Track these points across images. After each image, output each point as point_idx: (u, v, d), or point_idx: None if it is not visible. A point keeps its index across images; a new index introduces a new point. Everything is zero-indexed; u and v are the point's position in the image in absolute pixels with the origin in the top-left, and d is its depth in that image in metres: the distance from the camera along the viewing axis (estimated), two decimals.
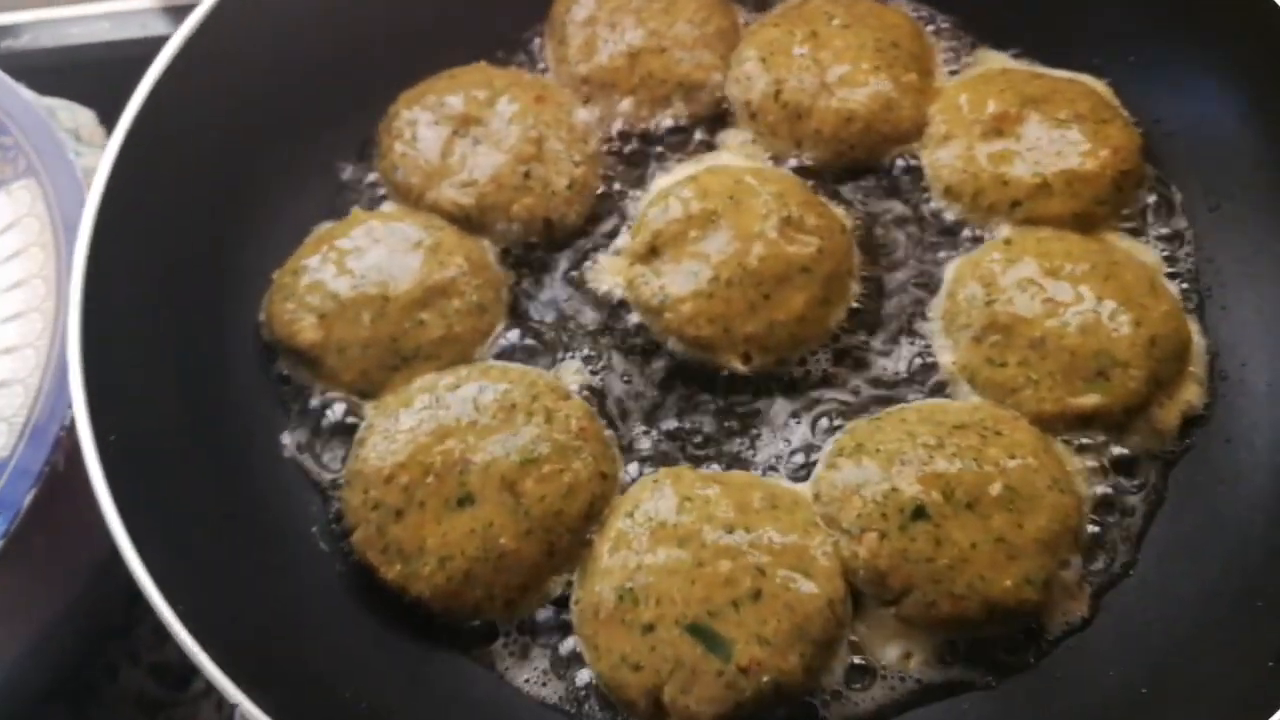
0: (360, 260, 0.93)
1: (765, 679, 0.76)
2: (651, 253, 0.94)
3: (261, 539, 0.83)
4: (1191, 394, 0.90)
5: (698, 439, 0.90)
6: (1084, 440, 0.88)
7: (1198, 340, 0.92)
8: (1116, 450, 0.88)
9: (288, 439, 0.90)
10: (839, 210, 0.98)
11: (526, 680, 0.82)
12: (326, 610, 0.82)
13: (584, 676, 0.81)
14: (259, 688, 0.66)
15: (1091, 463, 0.87)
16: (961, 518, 0.80)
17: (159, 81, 0.88)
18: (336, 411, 0.90)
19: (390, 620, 0.83)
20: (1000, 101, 0.99)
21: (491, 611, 0.82)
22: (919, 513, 0.80)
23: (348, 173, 1.04)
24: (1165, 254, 0.96)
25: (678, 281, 0.92)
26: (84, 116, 1.27)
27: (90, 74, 1.09)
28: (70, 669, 1.12)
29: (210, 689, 1.12)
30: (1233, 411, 0.90)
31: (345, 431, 0.90)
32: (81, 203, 0.98)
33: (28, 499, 0.88)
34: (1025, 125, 0.98)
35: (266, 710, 0.65)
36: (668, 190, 0.97)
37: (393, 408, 0.87)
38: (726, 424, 0.91)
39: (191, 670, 1.15)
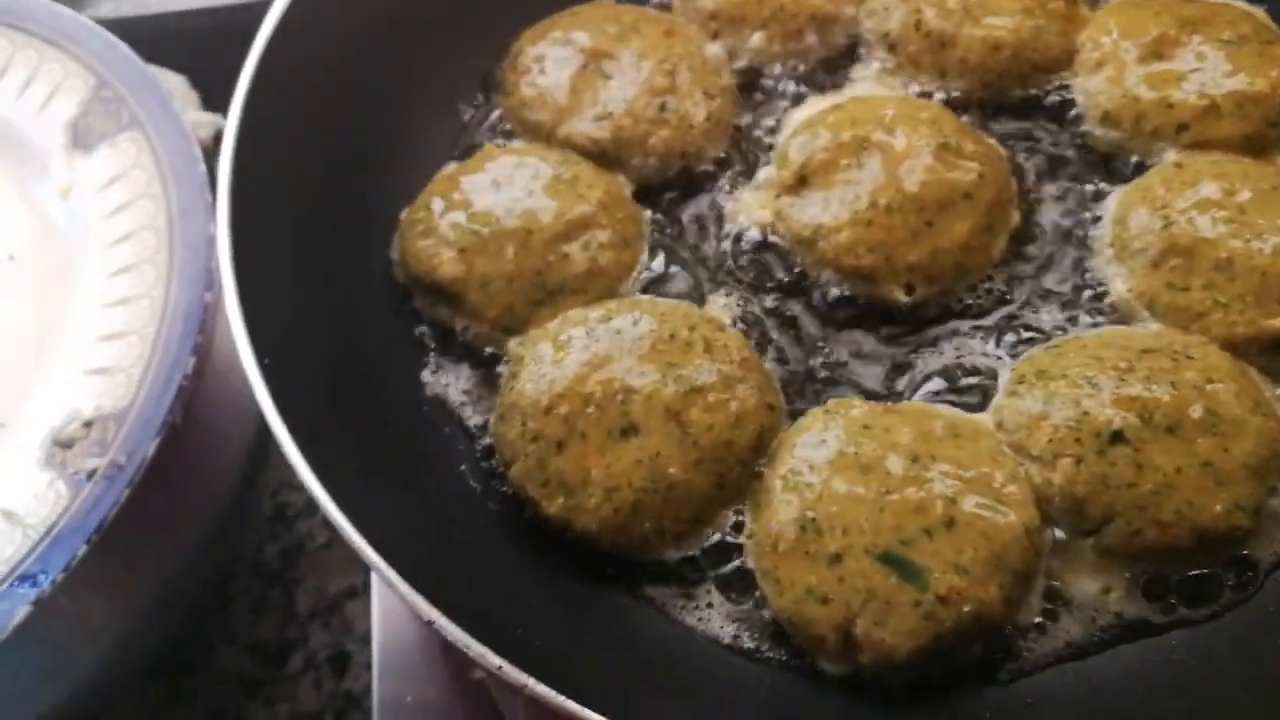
0: (497, 195, 0.89)
1: (966, 609, 0.71)
2: (800, 183, 0.89)
3: (410, 480, 0.79)
4: None
5: (858, 372, 0.85)
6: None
7: None
8: None
9: (429, 377, 0.86)
10: (991, 140, 0.94)
11: (700, 619, 0.77)
12: (486, 550, 0.78)
13: (760, 614, 0.76)
14: (444, 608, 0.61)
15: None
16: (1162, 442, 0.75)
17: (276, 30, 0.86)
18: (478, 347, 0.86)
19: (549, 559, 0.78)
20: (1157, 24, 0.94)
21: (660, 546, 0.77)
22: (1116, 437, 0.75)
23: (469, 114, 1.00)
24: None
25: (831, 210, 0.88)
26: (174, 81, 1.24)
27: (176, 41, 1.06)
28: (172, 644, 1.08)
29: (308, 666, 1.10)
30: None
31: (487, 367, 0.85)
32: (189, 154, 0.96)
33: (150, 449, 0.84)
34: (1185, 48, 0.93)
35: (461, 625, 0.60)
36: (813, 120, 0.93)
37: (543, 341, 0.83)
38: (889, 357, 0.86)
39: (290, 648, 1.13)
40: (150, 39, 1.07)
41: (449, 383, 0.86)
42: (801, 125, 0.94)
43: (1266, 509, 0.76)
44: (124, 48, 1.03)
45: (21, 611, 0.79)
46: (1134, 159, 0.93)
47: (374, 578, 0.94)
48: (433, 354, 0.88)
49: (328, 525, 1.19)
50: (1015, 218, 0.90)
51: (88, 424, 0.86)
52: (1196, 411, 0.76)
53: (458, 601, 0.65)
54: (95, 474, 0.84)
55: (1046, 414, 0.78)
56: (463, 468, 0.82)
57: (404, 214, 0.91)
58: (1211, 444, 0.75)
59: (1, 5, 1.05)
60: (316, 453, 0.67)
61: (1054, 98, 0.97)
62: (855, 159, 0.88)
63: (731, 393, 0.79)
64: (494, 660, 0.59)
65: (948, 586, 0.71)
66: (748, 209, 0.92)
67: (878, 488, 0.74)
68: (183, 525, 0.95)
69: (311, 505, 1.18)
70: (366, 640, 1.10)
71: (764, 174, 0.93)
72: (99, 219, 0.96)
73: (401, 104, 0.96)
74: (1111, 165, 0.93)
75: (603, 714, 0.57)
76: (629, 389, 0.79)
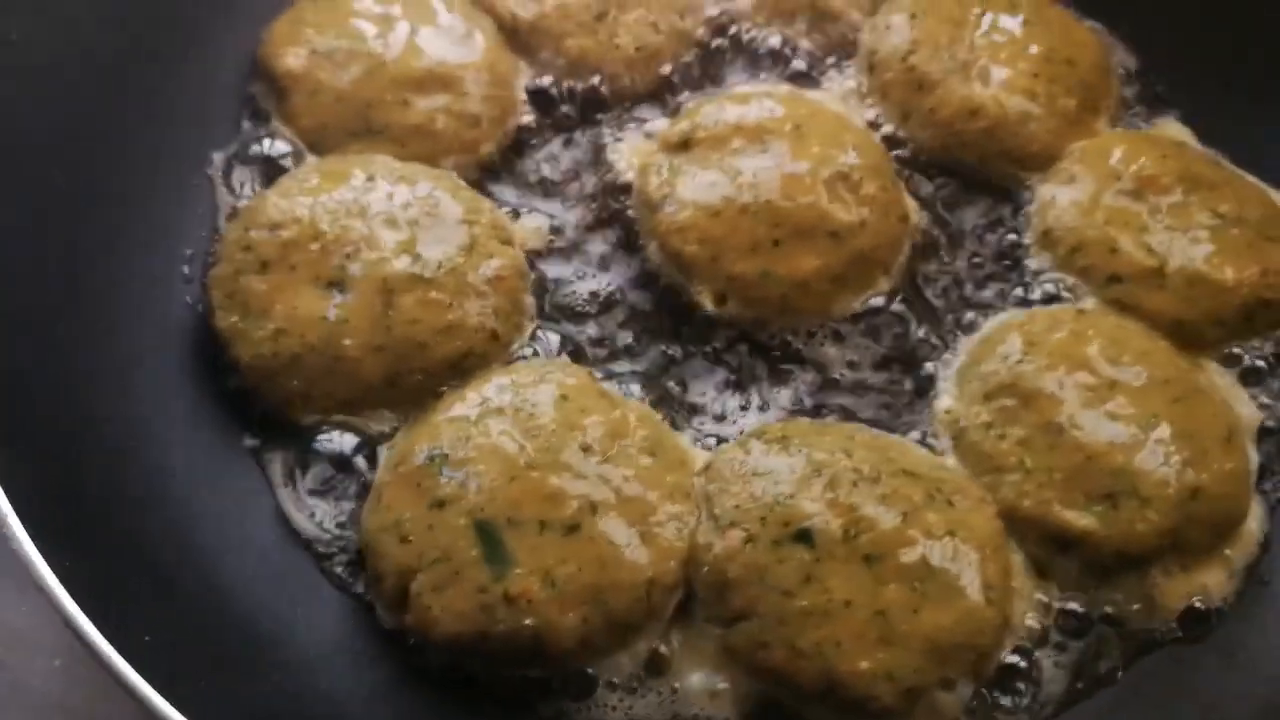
0: (382, 21, 0.83)
1: (528, 621, 0.61)
2: (683, 145, 0.80)
3: (126, 245, 0.73)
4: (1213, 580, 0.71)
5: (624, 358, 0.76)
6: (1058, 563, 0.69)
7: (1253, 525, 0.72)
8: (1080, 598, 0.69)
9: (217, 158, 0.80)
10: (911, 201, 0.82)
11: (296, 503, 0.69)
12: (151, 338, 0.72)
13: (349, 530, 0.68)
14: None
15: (1044, 597, 0.69)
16: (851, 567, 0.63)
17: None
18: (274, 149, 0.80)
19: (207, 378, 0.72)
20: (1159, 166, 0.81)
21: (301, 411, 0.70)
22: (803, 535, 0.64)
23: None
24: (1267, 415, 0.76)
25: (691, 185, 0.78)
26: None
27: None
28: None
29: None
30: (1252, 624, 0.70)
31: (275, 173, 0.79)
32: None
33: None
34: (1169, 198, 0.80)
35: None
36: (740, 94, 0.83)
37: (327, 166, 0.77)
38: (663, 355, 0.76)
39: None
40: None
41: (228, 169, 0.80)
42: (728, 95, 0.84)
43: (929, 700, 0.63)
44: None
45: None
46: (1056, 290, 0.80)
47: None
48: (238, 136, 0.82)
49: None
50: (883, 285, 0.79)
51: None
52: (909, 556, 0.64)
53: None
54: None
55: (753, 481, 0.67)
56: (189, 251, 0.76)
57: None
58: (903, 597, 0.63)
59: None
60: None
61: (1013, 191, 0.84)
62: (747, 144, 0.78)
63: (459, 300, 0.71)
64: None
65: (522, 589, 0.62)
66: (623, 149, 0.83)
67: (525, 456, 0.65)
68: None
69: None
70: None
71: (659, 124, 0.84)
72: None
73: None
74: (1025, 287, 0.80)
75: None
76: (361, 245, 0.71)
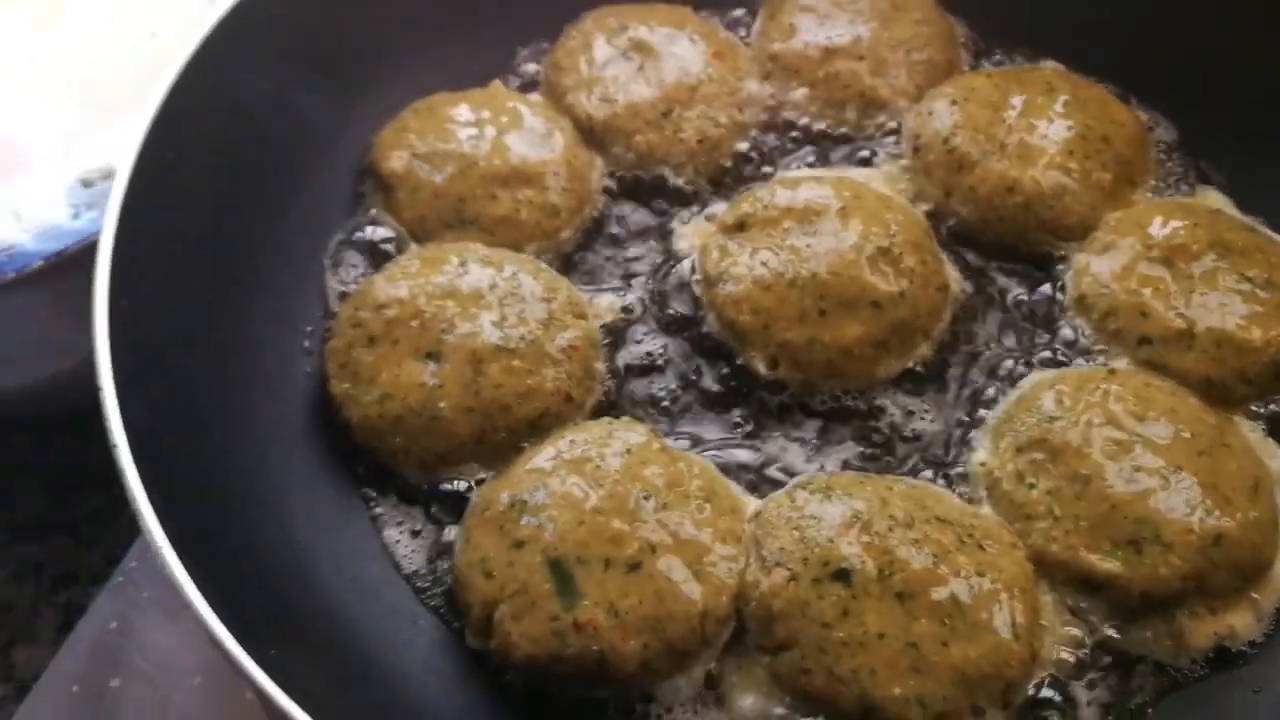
0: (473, 125, 0.94)
1: (594, 648, 0.70)
2: (739, 227, 0.89)
3: (255, 325, 0.85)
4: (1240, 622, 0.75)
5: (684, 417, 0.85)
6: (1082, 605, 0.74)
7: None
8: (1114, 635, 0.74)
9: (331, 245, 0.93)
10: (952, 271, 0.89)
11: (399, 544, 0.79)
12: (276, 405, 0.83)
13: (443, 566, 0.78)
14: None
15: (1078, 633, 0.74)
16: (884, 603, 0.70)
17: None
18: (379, 236, 0.92)
19: (324, 438, 0.83)
20: (1190, 234, 0.86)
21: (403, 465, 0.81)
22: (841, 575, 0.71)
23: (519, 56, 1.05)
24: None
25: (745, 261, 0.87)
26: None
27: None
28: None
29: None
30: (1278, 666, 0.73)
31: (380, 259, 0.91)
32: None
33: None
34: (1200, 265, 0.85)
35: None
36: (794, 178, 0.92)
37: (426, 253, 0.88)
38: (719, 414, 0.85)
39: None
40: None
41: (340, 255, 0.92)
42: (781, 179, 0.93)
43: None
44: None
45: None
46: (1089, 354, 0.86)
47: None
48: (350, 225, 0.94)
49: None
50: (924, 350, 0.86)
51: (105, 174, 0.98)
52: (940, 594, 0.70)
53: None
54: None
55: (798, 524, 0.74)
56: (309, 328, 0.88)
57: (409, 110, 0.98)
58: (933, 630, 0.69)
59: None
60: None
61: (1050, 262, 0.91)
62: (797, 225, 0.87)
63: (536, 368, 0.81)
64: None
65: (589, 618, 0.70)
66: (689, 234, 0.93)
67: (592, 503, 0.74)
68: None
69: None
70: None
71: (719, 208, 0.93)
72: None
73: (464, 28, 1.02)
74: (1062, 351, 0.87)
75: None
76: (455, 322, 0.82)
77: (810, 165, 0.97)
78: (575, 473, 0.76)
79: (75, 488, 1.12)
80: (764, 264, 0.86)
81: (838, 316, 0.84)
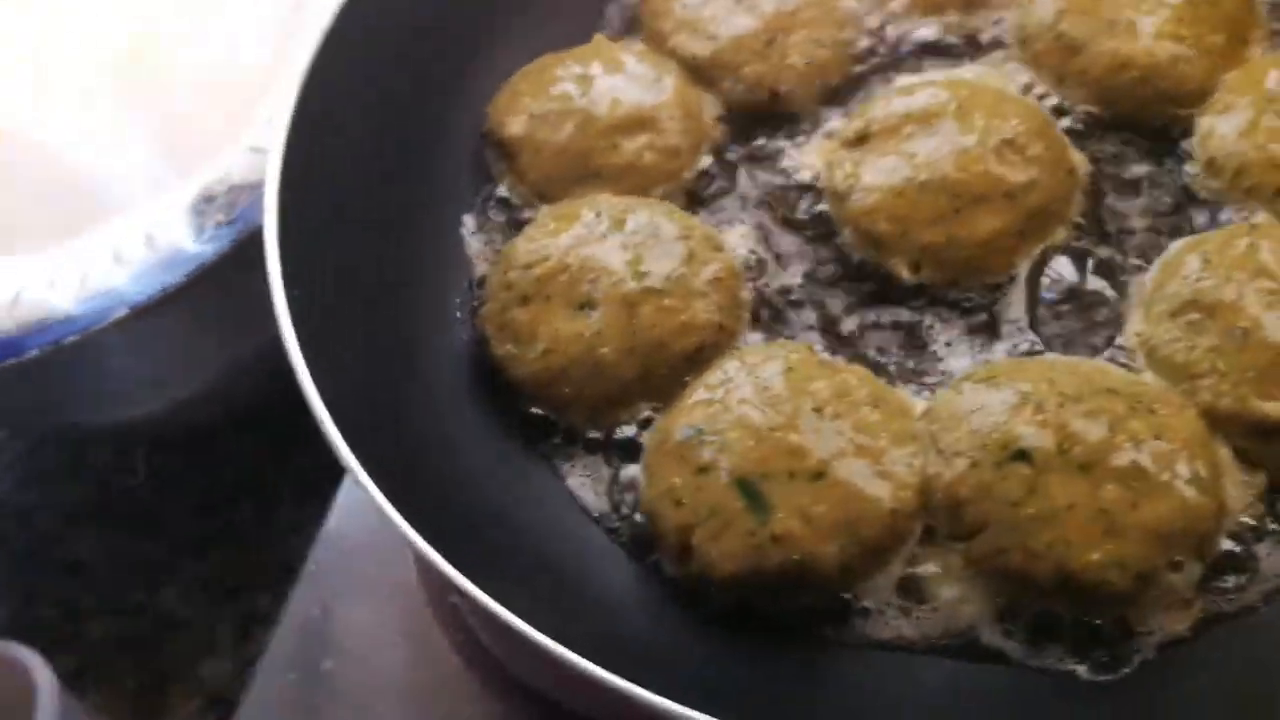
0: (585, 80, 0.97)
1: (794, 556, 0.73)
2: (860, 140, 0.90)
3: (410, 300, 0.89)
4: None
5: (834, 333, 0.87)
6: (1258, 455, 0.75)
7: None
8: None
9: (469, 220, 0.96)
10: (1077, 154, 0.90)
11: (584, 488, 0.83)
12: (444, 379, 0.87)
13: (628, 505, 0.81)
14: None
15: (1258, 483, 0.75)
16: (1068, 475, 0.72)
17: None
18: (519, 208, 0.95)
19: (495, 404, 0.86)
20: None
21: (575, 413, 0.84)
22: (1021, 454, 0.73)
23: (617, 10, 1.07)
24: None
25: (872, 172, 0.88)
26: None
27: None
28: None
29: None
30: None
31: (519, 227, 0.94)
32: None
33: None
34: None
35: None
36: (908, 86, 0.93)
37: (561, 211, 0.91)
38: (871, 325, 0.87)
39: None
40: None
41: (480, 229, 0.96)
42: (895, 88, 0.94)
43: (1159, 580, 0.71)
44: None
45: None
46: (1229, 215, 0.86)
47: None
48: (480, 200, 0.97)
49: None
50: (1061, 234, 0.87)
51: (234, 189, 1.03)
52: (1121, 460, 0.72)
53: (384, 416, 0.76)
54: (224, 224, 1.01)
55: (969, 414, 0.76)
56: (458, 299, 0.92)
57: (514, 78, 1.01)
58: (1120, 495, 0.71)
59: None
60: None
61: (1172, 129, 0.91)
62: (920, 128, 0.88)
63: (686, 304, 0.84)
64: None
65: (785, 529, 0.73)
66: (809, 154, 0.95)
67: (769, 421, 0.77)
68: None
69: None
70: None
71: (836, 124, 0.95)
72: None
73: None
74: (1200, 215, 0.87)
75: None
76: (603, 269, 0.85)
77: (920, 74, 0.98)
78: (743, 395, 0.79)
79: (225, 501, 1.18)
80: (893, 170, 0.87)
81: (973, 212, 0.85)
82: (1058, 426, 0.73)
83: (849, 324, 0.87)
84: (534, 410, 0.85)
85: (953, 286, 0.86)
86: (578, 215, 0.89)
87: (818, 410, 0.77)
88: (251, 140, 1.05)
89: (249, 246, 0.98)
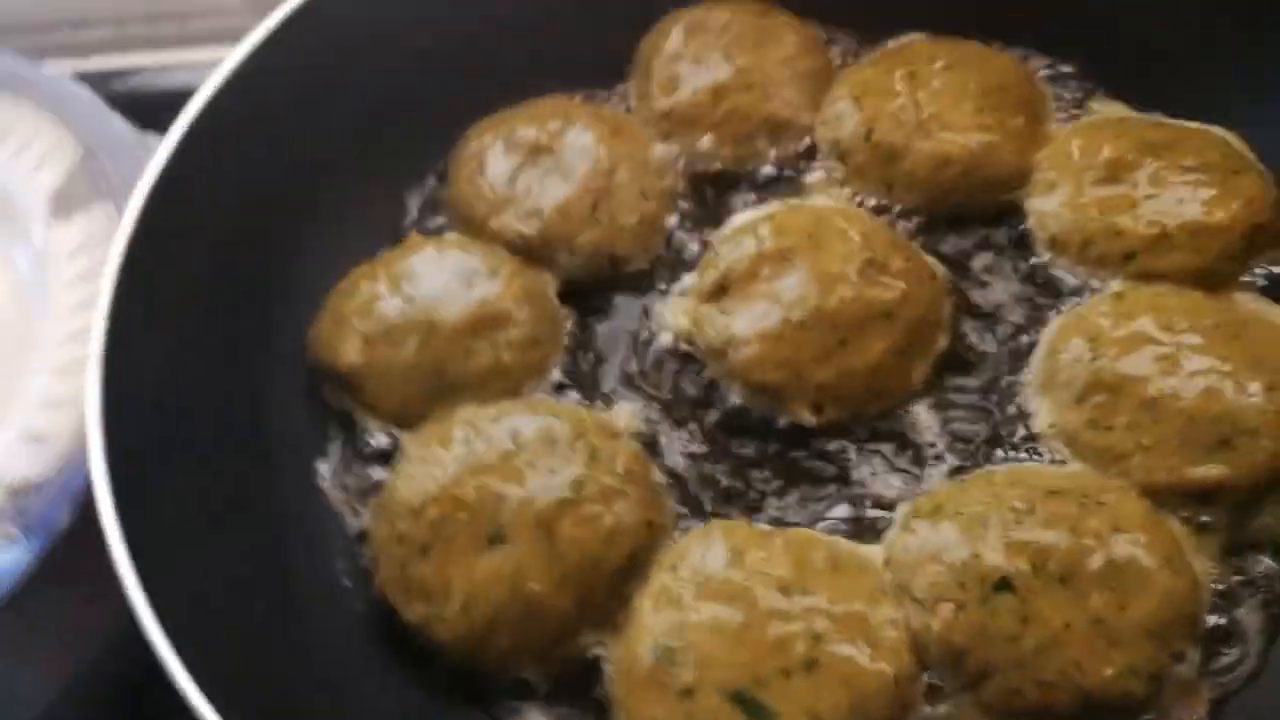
0: (412, 285, 0.88)
1: None
2: (720, 291, 0.87)
3: (284, 573, 0.78)
4: None
5: (756, 494, 0.82)
6: (1205, 518, 0.76)
7: None
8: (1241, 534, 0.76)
9: (323, 468, 0.85)
10: (929, 258, 0.90)
11: None
12: (344, 657, 0.76)
13: None
14: None
15: (1212, 545, 0.75)
16: (1053, 594, 0.70)
17: (217, 94, 0.86)
18: (378, 442, 0.85)
19: (413, 671, 0.76)
20: (1116, 147, 0.90)
21: (519, 665, 0.75)
22: (1003, 584, 0.70)
23: (418, 201, 1.00)
24: None
25: (745, 321, 0.85)
26: None
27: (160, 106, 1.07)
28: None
29: None
30: None
31: (384, 463, 0.84)
32: None
33: (66, 519, 0.85)
34: (1143, 172, 0.89)
35: None
36: (742, 227, 0.91)
37: (430, 438, 0.81)
38: (791, 479, 0.82)
39: None
40: (169, 110, 1.09)
41: (339, 476, 0.85)
42: (731, 232, 0.92)
43: (1169, 676, 0.69)
44: (120, 122, 1.06)
45: None
46: (1081, 286, 0.88)
47: None
48: (333, 444, 0.86)
49: None
50: (943, 342, 0.86)
51: (14, 491, 0.87)
52: (1094, 563, 0.70)
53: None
54: (13, 538, 0.85)
55: (934, 554, 0.73)
56: (339, 564, 0.81)
57: (327, 300, 0.91)
58: (1107, 600, 0.69)
59: (12, 73, 1.10)
60: (163, 554, 0.66)
61: (1006, 218, 0.93)
62: (777, 270, 0.86)
63: (607, 506, 0.76)
64: None
65: None
66: (668, 315, 0.90)
67: (741, 619, 0.70)
68: (95, 607, 0.95)
69: None
70: None
71: (689, 280, 0.91)
72: (63, 284, 0.99)
73: (352, 183, 0.96)
74: (1058, 293, 0.89)
75: None
76: (501, 495, 0.76)
77: (744, 208, 0.96)
78: (699, 596, 0.72)
79: None
80: (764, 315, 0.84)
81: (858, 340, 0.83)
82: (1023, 545, 0.71)
83: (769, 483, 0.82)
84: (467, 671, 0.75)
85: (858, 420, 0.83)
86: (449, 438, 0.80)
87: (783, 590, 0.71)
88: (21, 426, 0.90)
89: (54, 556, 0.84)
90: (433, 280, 0.89)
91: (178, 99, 1.07)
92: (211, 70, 1.27)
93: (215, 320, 0.84)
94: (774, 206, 0.94)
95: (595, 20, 1.03)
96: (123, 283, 0.76)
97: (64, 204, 1.03)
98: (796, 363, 0.82)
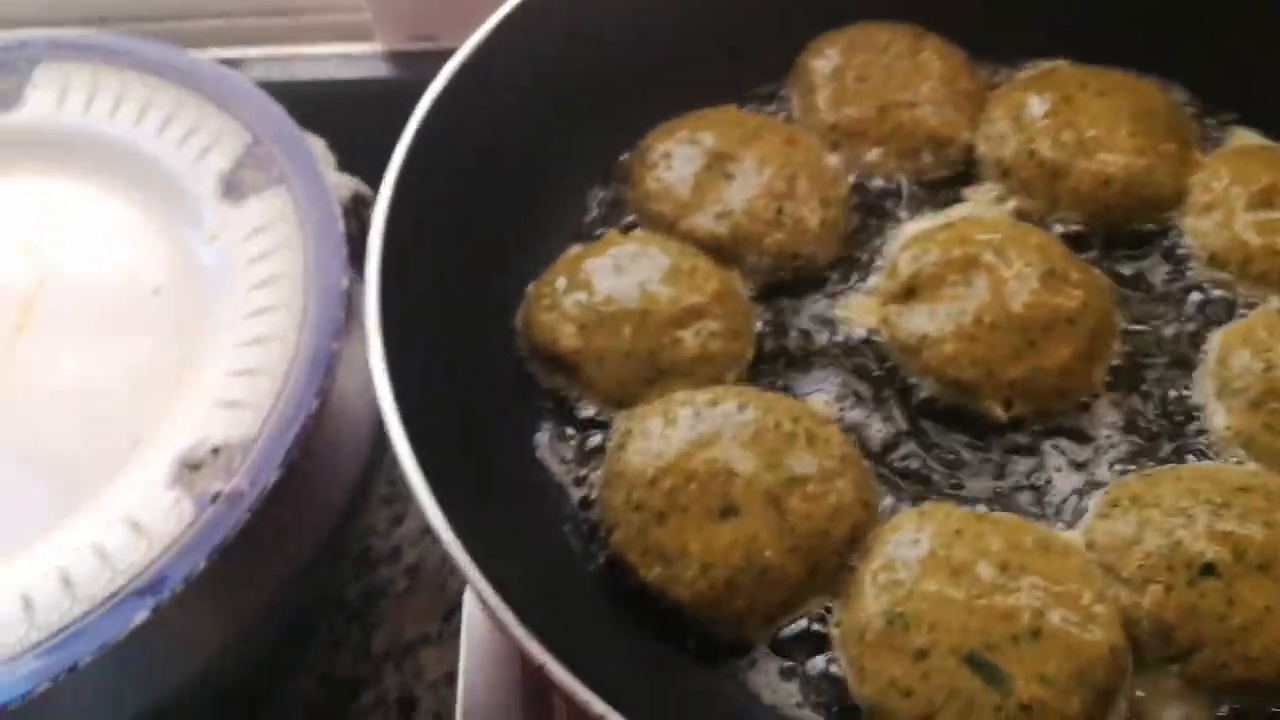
0: (618, 279, 0.94)
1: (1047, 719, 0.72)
2: (908, 294, 0.93)
3: (517, 535, 0.83)
4: None
5: (945, 479, 0.88)
6: None
7: None
8: None
9: (541, 440, 0.90)
10: (1095, 270, 0.97)
11: (776, 696, 0.79)
12: (583, 608, 0.81)
13: (838, 703, 0.78)
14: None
15: None
16: (1253, 579, 0.76)
17: (429, 110, 0.91)
18: (587, 415, 0.90)
19: (641, 624, 0.81)
20: (1269, 174, 0.98)
21: (749, 625, 0.80)
22: (1208, 569, 0.77)
23: (596, 198, 1.06)
24: None
25: (937, 322, 0.91)
26: (315, 144, 1.33)
27: (317, 109, 1.13)
28: (256, 669, 1.12)
29: (378, 704, 1.14)
30: None
31: (596, 435, 0.89)
32: (329, 212, 1.03)
33: (272, 479, 0.89)
34: None
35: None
36: (924, 234, 0.97)
37: (651, 416, 0.87)
38: (981, 467, 0.89)
39: (361, 685, 1.17)
40: (289, 103, 1.15)
41: (555, 446, 0.90)
42: (912, 239, 0.98)
43: None
44: (279, 110, 1.11)
45: (139, 617, 0.84)
46: (1239, 301, 0.95)
47: (464, 621, 0.97)
48: (547, 418, 0.92)
49: (409, 572, 1.24)
50: (1116, 348, 0.93)
51: (216, 451, 0.92)
52: None
53: (560, 651, 0.68)
54: (219, 497, 0.89)
55: (1139, 539, 0.79)
56: (565, 528, 0.86)
57: (530, 288, 0.97)
58: None
59: (169, 63, 1.14)
60: (442, 499, 0.71)
61: (1164, 236, 1.00)
62: (962, 276, 0.92)
63: (830, 485, 0.82)
64: (599, 707, 0.62)
65: (1030, 695, 0.72)
66: (856, 313, 0.96)
67: (967, 591, 0.76)
68: (289, 553, 1.00)
69: (395, 552, 1.23)
70: (435, 688, 1.14)
71: (874, 281, 0.98)
72: (242, 265, 1.03)
73: (536, 186, 1.01)
74: (1214, 306, 0.96)
75: None
76: (731, 471, 0.82)
77: (912, 217, 1.03)
78: (924, 569, 0.78)
79: None
80: (958, 315, 0.90)
81: (1046, 342, 0.89)
82: (1224, 534, 0.78)
83: (958, 470, 0.88)
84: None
85: (1043, 415, 0.90)
86: (674, 417, 0.86)
87: (1003, 568, 0.78)
88: (218, 396, 0.95)
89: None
90: (638, 273, 0.94)
91: (294, 92, 1.13)
92: (324, 63, 1.33)
93: (438, 318, 0.89)
94: (951, 216, 1.00)
95: (758, 33, 1.10)
96: (384, 283, 0.81)
97: (235, 188, 1.07)
98: (990, 361, 0.89)
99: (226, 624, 0.97)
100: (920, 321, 0.92)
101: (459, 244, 0.92)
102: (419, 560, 1.25)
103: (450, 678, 1.16)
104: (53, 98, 1.09)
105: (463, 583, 0.96)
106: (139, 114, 1.08)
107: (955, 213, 1.02)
